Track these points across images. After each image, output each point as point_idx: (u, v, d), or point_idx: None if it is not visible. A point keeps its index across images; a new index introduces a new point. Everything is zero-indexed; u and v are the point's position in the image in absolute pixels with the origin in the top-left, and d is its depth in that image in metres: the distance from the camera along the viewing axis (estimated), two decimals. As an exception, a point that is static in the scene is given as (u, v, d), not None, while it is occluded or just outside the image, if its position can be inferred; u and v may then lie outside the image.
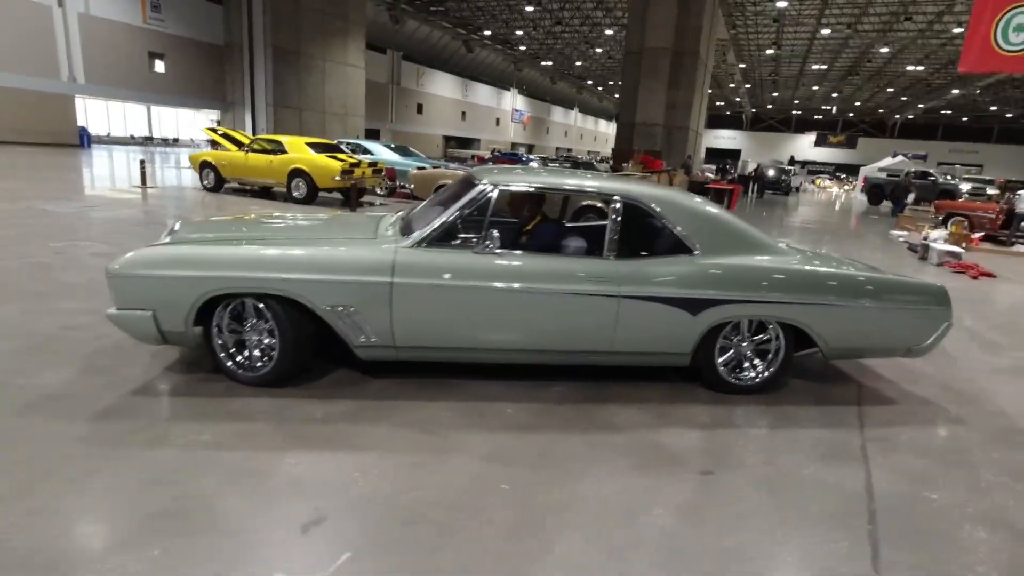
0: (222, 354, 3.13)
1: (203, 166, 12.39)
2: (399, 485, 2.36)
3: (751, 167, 33.41)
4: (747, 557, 2.08)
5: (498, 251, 3.10)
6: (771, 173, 28.80)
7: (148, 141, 31.45)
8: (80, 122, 25.81)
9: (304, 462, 2.46)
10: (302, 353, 3.14)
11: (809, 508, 2.40)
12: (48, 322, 3.82)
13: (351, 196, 11.21)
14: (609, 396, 3.35)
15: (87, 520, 2.04)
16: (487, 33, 43.16)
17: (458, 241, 3.14)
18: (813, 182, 43.53)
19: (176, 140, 32.68)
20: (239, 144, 12.40)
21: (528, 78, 55.82)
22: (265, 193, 12.47)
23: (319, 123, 30.17)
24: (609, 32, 36.69)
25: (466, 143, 48.08)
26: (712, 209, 3.49)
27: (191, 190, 12.45)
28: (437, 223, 3.15)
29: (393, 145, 16.98)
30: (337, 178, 11.04)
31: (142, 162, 12.51)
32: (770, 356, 3.48)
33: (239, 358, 3.15)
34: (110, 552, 1.88)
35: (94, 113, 26.37)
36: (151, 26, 27.28)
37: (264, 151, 11.86)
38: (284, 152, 11.59)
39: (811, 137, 62.55)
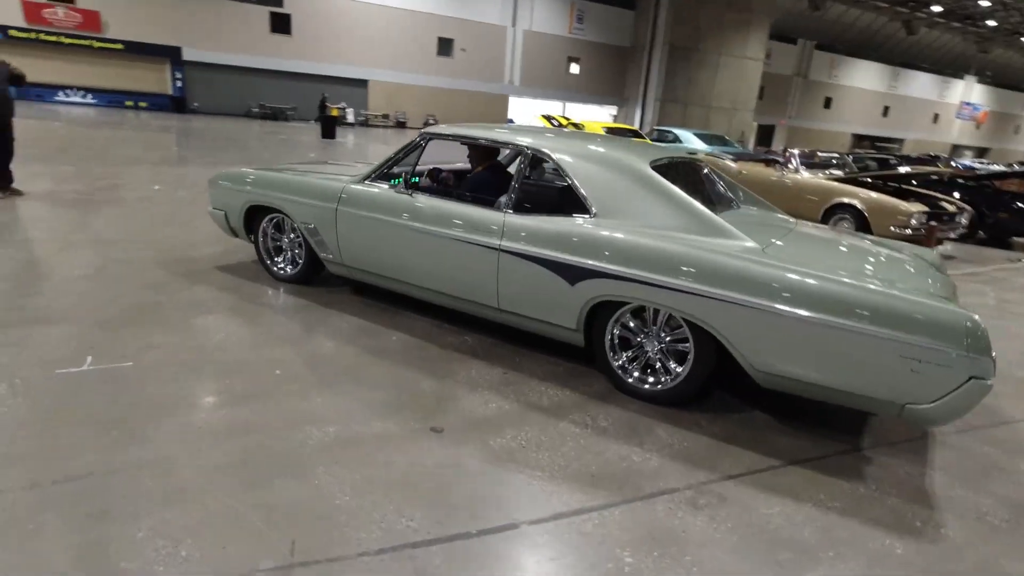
0: (266, 257, 4.19)
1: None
2: (221, 344, 3.02)
3: None
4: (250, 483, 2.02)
5: (407, 191, 3.38)
6: None
7: (555, 133, 37.25)
8: (509, 115, 32.51)
9: (210, 322, 3.35)
10: (313, 260, 3.97)
11: (444, 492, 2.03)
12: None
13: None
14: (496, 356, 3.20)
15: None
16: (937, 9, 35.14)
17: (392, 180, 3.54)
18: None
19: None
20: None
21: (999, 60, 43.03)
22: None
23: (702, 117, 30.22)
24: None
25: (884, 143, 40.54)
26: (645, 174, 2.84)
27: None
28: (379, 163, 3.61)
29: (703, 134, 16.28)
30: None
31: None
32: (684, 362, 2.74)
33: (279, 261, 4.18)
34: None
35: (521, 108, 32.76)
36: (573, 35, 32.07)
37: (573, 135, 13.21)
38: (582, 136, 12.68)
39: None
